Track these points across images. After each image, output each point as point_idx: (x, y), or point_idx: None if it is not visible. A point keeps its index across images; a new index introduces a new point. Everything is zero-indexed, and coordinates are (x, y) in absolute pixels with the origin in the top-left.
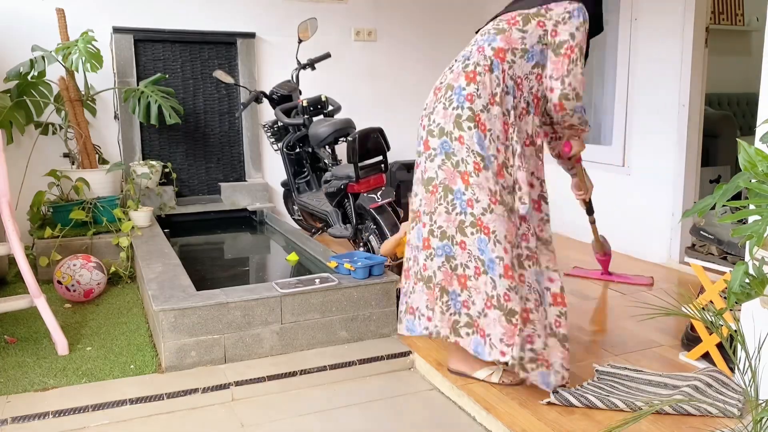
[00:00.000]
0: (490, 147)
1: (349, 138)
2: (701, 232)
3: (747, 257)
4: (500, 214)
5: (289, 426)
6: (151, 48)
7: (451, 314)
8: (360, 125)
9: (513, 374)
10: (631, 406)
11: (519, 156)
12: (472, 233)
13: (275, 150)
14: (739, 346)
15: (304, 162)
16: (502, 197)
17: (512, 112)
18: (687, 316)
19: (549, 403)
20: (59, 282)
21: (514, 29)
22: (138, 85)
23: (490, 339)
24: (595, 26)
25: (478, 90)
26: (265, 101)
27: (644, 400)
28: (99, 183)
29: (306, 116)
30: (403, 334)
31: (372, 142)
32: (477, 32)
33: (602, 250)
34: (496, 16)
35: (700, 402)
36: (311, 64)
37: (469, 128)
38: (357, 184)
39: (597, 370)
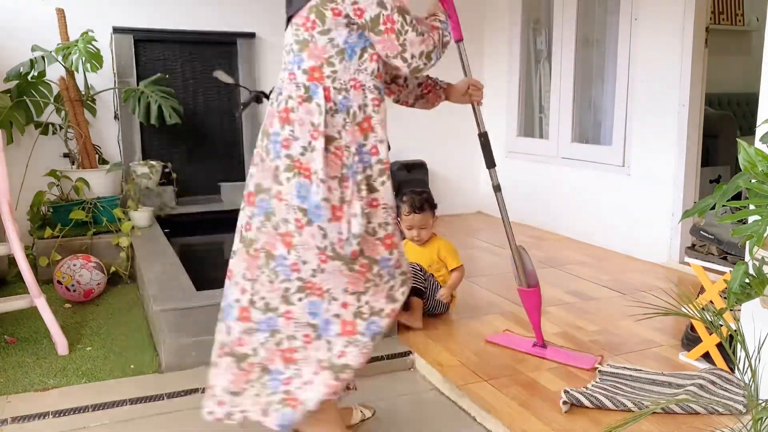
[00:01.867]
0: (317, 192)
1: None
2: (701, 232)
3: (747, 257)
4: (334, 269)
5: None
6: (151, 48)
7: (268, 395)
8: None
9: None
10: (639, 406)
11: (359, 182)
12: (300, 299)
13: None
14: (739, 346)
15: None
16: (335, 251)
17: (350, 122)
18: (687, 316)
19: (564, 403)
20: (59, 282)
21: (315, 34)
22: (138, 85)
23: (304, 405)
24: None
25: (293, 131)
26: (265, 101)
27: (651, 401)
28: (99, 183)
29: None
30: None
31: None
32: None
33: (523, 277)
34: (289, 18)
35: (706, 400)
36: None
37: (288, 179)
38: None
39: (599, 371)
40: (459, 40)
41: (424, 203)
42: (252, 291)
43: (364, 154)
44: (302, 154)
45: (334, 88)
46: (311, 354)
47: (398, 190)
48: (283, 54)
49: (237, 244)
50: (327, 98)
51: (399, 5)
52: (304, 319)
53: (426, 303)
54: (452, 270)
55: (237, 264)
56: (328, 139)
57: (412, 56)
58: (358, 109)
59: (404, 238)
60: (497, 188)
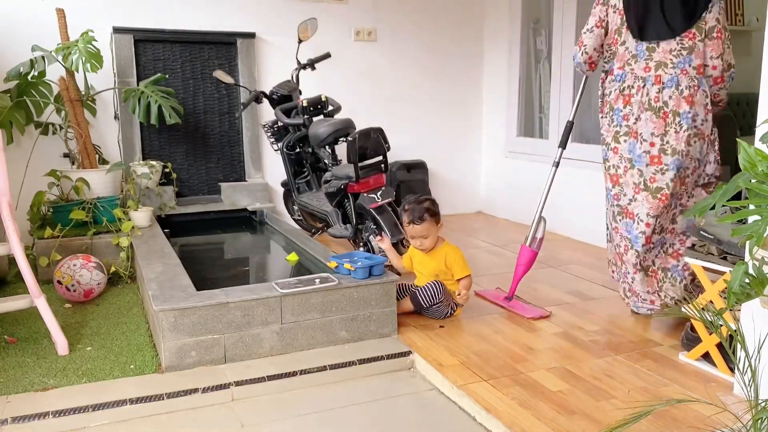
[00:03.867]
0: (636, 147)
1: (349, 138)
2: (701, 232)
3: (747, 257)
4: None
5: (289, 426)
6: (151, 48)
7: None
8: (360, 125)
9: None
10: None
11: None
12: (621, 219)
13: (275, 150)
14: (738, 346)
15: (304, 162)
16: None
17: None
18: (687, 316)
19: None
20: (59, 282)
21: (697, 42)
22: (138, 85)
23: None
24: None
25: (696, 111)
26: (265, 101)
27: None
28: (99, 183)
29: (306, 116)
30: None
31: (372, 142)
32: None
33: (532, 237)
34: (675, 34)
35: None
36: (311, 64)
37: (625, 140)
38: (357, 184)
39: None
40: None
41: (424, 213)
42: (655, 224)
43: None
44: (702, 124)
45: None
46: (630, 258)
47: (398, 191)
48: (669, 57)
49: (638, 194)
50: (708, 87)
51: (725, 25)
52: (625, 234)
53: (428, 312)
54: (459, 279)
55: (640, 206)
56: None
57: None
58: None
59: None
60: (556, 164)
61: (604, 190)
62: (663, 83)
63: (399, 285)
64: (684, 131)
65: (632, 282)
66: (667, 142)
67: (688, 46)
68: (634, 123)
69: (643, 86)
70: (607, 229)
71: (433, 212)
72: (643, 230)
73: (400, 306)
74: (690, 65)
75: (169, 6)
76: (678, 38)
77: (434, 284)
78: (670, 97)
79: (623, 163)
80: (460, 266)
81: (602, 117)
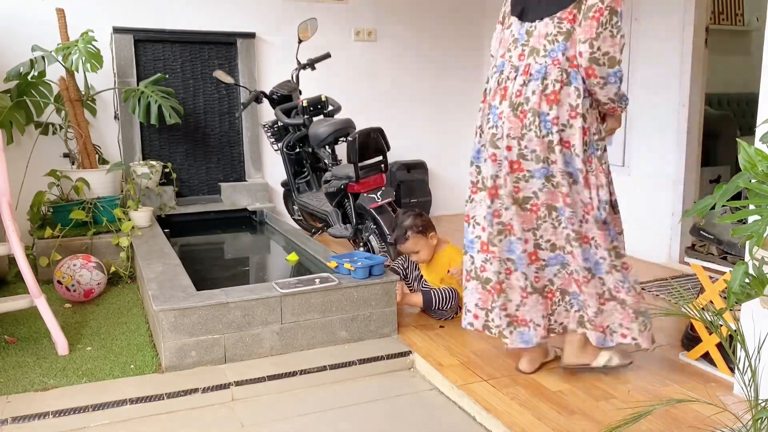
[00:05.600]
0: (577, 162)
1: (349, 138)
2: (701, 232)
3: (747, 257)
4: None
5: (289, 426)
6: (151, 48)
7: (575, 311)
8: (360, 125)
9: (624, 355)
10: None
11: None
12: (578, 246)
13: (275, 150)
14: (738, 346)
15: (304, 162)
16: (593, 206)
17: (589, 107)
18: (687, 316)
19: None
20: (59, 282)
21: (575, 26)
22: (138, 85)
23: (610, 329)
24: None
25: (558, 112)
26: (265, 101)
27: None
28: (99, 183)
29: (306, 116)
30: (518, 346)
31: (372, 142)
32: (512, 26)
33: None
34: (549, 14)
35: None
36: (311, 64)
37: (560, 150)
38: (357, 184)
39: None
40: None
41: (406, 232)
42: (534, 237)
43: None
44: (562, 131)
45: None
46: (591, 289)
47: (398, 191)
48: (539, 41)
49: (506, 205)
50: (583, 80)
51: (612, 7)
52: (582, 263)
53: (433, 312)
54: None
55: (515, 220)
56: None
57: (598, 48)
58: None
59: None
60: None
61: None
62: (530, 74)
63: (404, 269)
64: (544, 137)
65: (518, 309)
66: (526, 147)
67: (565, 31)
68: None
69: (515, 78)
70: (471, 263)
71: (417, 227)
72: (524, 248)
73: (406, 297)
74: (564, 54)
75: (169, 6)
76: (557, 20)
77: (450, 291)
78: (533, 93)
79: (565, 177)
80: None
81: (480, 113)
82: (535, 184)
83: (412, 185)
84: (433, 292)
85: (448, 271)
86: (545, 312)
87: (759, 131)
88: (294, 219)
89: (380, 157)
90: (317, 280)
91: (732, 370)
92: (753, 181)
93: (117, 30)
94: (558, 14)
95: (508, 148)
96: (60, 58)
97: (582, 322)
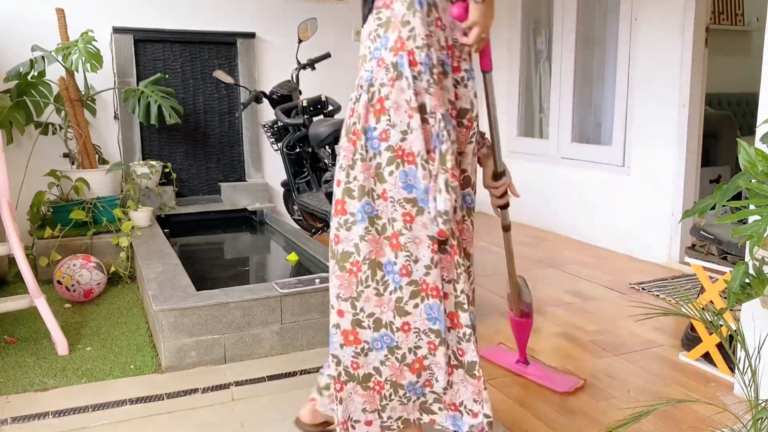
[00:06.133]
0: (425, 175)
1: None
2: (701, 232)
3: (747, 257)
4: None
5: (289, 426)
6: (151, 48)
7: (414, 401)
8: None
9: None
10: None
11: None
12: (416, 305)
13: (275, 150)
14: (739, 346)
15: (304, 162)
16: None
17: (434, 83)
18: (687, 316)
19: None
20: (59, 282)
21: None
22: (138, 85)
23: (464, 405)
24: None
25: (390, 119)
26: (265, 101)
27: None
28: (99, 183)
29: (306, 116)
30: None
31: None
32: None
33: (518, 306)
34: (369, 9)
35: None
36: (311, 64)
37: (391, 173)
38: None
39: None
40: (486, 71)
41: None
42: (353, 310)
43: (448, 120)
44: (402, 140)
45: (417, 47)
46: (440, 359)
47: None
48: (368, 45)
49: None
50: (412, 63)
51: None
52: (424, 327)
53: None
54: None
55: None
56: (421, 110)
57: None
58: (439, 63)
59: None
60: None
61: (603, 189)
62: (361, 87)
63: None
64: (371, 158)
65: (445, 392)
66: (355, 178)
67: (384, 20)
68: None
69: (352, 99)
70: (365, 344)
71: None
72: (444, 307)
73: None
74: (387, 48)
75: (169, 6)
76: (376, 10)
77: None
78: (364, 107)
79: (401, 207)
80: None
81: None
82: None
83: None
84: None
85: None
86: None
87: (759, 131)
88: (294, 219)
89: None
90: (317, 280)
91: (732, 370)
92: (753, 181)
93: (117, 30)
94: (375, 3)
95: (338, 183)
96: (60, 58)
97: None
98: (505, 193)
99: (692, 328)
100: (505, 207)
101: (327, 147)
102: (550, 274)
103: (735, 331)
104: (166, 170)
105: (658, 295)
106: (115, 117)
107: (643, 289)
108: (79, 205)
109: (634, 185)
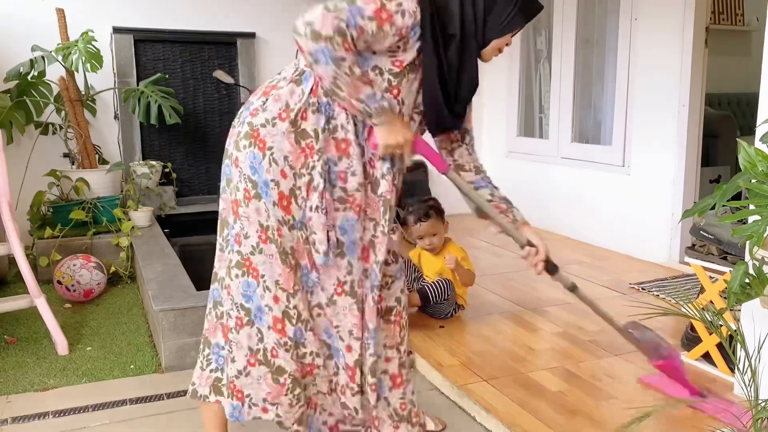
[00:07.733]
0: (268, 170)
1: None
2: (701, 232)
3: (747, 257)
4: (270, 254)
5: None
6: (151, 48)
7: (212, 370)
8: None
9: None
10: None
11: (320, 193)
12: (236, 275)
13: None
14: (739, 346)
15: None
16: (274, 235)
17: (325, 129)
18: (687, 316)
19: None
20: (59, 282)
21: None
22: (138, 85)
23: (251, 399)
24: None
25: (265, 102)
26: None
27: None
28: (99, 183)
29: None
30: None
31: None
32: None
33: (650, 353)
34: None
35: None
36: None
37: (245, 147)
38: None
39: None
40: (443, 171)
41: (429, 210)
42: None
43: (333, 172)
44: (263, 126)
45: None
46: (242, 340)
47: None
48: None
49: None
50: (314, 92)
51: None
52: (238, 300)
53: (431, 309)
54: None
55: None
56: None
57: (304, 17)
58: (340, 126)
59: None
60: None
61: (603, 189)
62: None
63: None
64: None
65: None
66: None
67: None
68: None
69: None
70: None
71: (437, 209)
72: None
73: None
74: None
75: (169, 6)
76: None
77: (444, 281)
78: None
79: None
80: (467, 263)
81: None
82: None
83: (412, 186)
84: (427, 286)
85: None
86: None
87: (759, 131)
88: None
89: None
90: None
91: (732, 370)
92: (753, 181)
93: (117, 30)
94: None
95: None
96: (60, 58)
97: None
98: (536, 264)
99: (692, 328)
100: (550, 273)
101: None
102: None
103: (735, 331)
104: (166, 170)
105: (658, 295)
106: (115, 117)
107: (643, 289)
108: (79, 205)
109: (634, 185)
